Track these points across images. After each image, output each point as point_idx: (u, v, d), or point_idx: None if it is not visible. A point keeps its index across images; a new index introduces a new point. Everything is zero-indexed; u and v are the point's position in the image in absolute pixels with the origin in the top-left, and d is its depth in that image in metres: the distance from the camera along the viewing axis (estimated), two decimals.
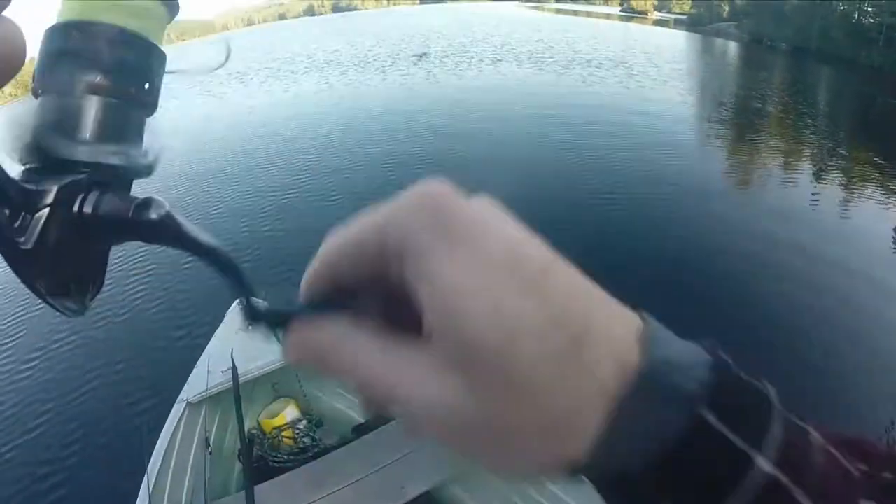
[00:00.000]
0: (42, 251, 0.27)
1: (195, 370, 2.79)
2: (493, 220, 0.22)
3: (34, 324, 5.47)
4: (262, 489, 2.26)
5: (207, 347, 2.90)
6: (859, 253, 7.24)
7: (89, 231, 0.29)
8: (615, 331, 0.21)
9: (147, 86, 0.32)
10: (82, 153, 0.29)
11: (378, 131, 11.57)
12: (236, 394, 2.55)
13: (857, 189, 10.49)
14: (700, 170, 10.61)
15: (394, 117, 12.84)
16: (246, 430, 2.56)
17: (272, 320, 0.27)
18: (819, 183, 10.55)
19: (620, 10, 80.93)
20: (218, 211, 8.08)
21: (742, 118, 15.73)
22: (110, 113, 0.30)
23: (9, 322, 5.69)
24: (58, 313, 0.31)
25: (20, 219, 0.27)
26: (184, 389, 2.70)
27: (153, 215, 0.29)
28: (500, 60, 21.76)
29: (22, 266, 0.27)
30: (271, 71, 23.21)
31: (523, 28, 37.64)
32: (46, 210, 0.27)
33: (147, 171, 0.32)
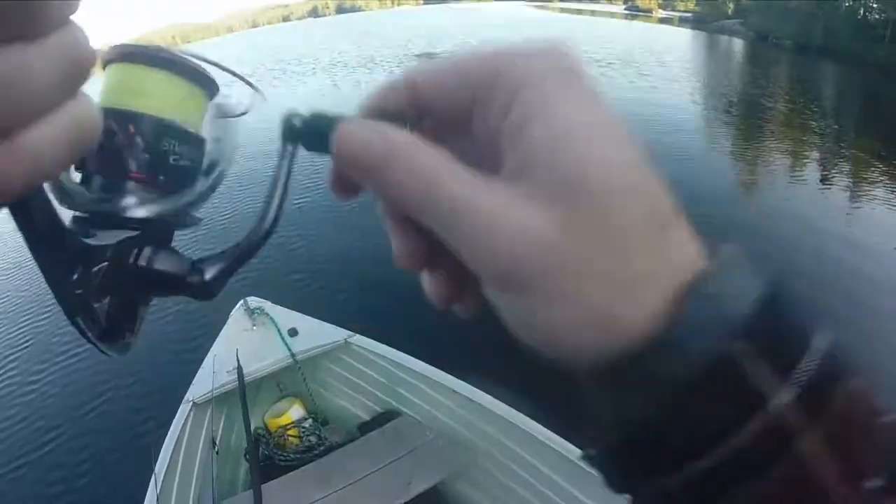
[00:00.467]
0: (96, 300, 0.28)
1: (200, 370, 2.81)
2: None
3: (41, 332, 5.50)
4: (268, 488, 2.27)
5: (212, 348, 2.92)
6: (865, 250, 7.24)
7: (140, 283, 0.31)
8: (687, 237, 0.22)
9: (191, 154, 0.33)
10: (135, 210, 0.30)
11: None
12: (242, 393, 2.57)
13: (862, 185, 10.48)
14: (708, 167, 10.63)
15: None
16: (252, 429, 2.58)
17: (317, 132, 0.25)
18: (825, 182, 10.55)
19: (625, 8, 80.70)
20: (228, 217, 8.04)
21: (749, 115, 15.73)
22: (161, 172, 0.31)
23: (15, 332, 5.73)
24: (103, 355, 0.31)
25: (77, 270, 0.27)
26: (189, 390, 2.71)
27: (207, 276, 0.31)
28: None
29: (75, 312, 0.28)
30: (276, 73, 23.23)
31: (528, 27, 37.62)
32: (104, 264, 0.28)
33: (194, 223, 0.33)
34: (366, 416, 2.87)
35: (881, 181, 10.47)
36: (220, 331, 3.09)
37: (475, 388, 2.50)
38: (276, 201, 0.29)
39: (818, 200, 9.82)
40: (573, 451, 2.09)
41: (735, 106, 16.96)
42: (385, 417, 2.73)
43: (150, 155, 0.31)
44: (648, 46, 26.08)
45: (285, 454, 2.61)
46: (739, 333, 0.20)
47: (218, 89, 0.34)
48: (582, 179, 0.20)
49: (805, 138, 13.76)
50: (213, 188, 0.34)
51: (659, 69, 20.33)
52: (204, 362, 2.84)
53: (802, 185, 10.48)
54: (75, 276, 0.27)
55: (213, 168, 0.34)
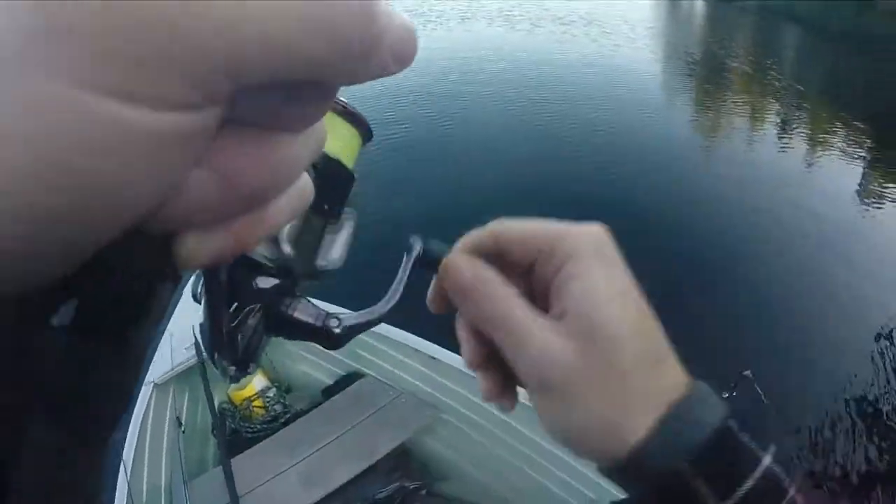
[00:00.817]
0: (241, 337, 0.33)
1: (159, 350, 2.75)
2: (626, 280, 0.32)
3: None
4: (238, 461, 2.26)
5: (168, 326, 2.86)
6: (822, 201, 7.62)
7: (280, 327, 0.36)
8: (676, 371, 0.31)
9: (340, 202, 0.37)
10: (286, 261, 0.33)
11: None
12: (202, 369, 2.53)
13: (819, 141, 10.83)
14: (669, 125, 10.86)
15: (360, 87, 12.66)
16: (217, 404, 2.55)
17: (429, 256, 0.36)
18: (783, 138, 10.81)
19: None
20: None
21: (711, 74, 15.96)
22: (309, 226, 0.34)
23: None
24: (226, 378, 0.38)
25: (231, 308, 0.32)
26: (149, 371, 2.66)
27: (337, 330, 0.36)
28: (468, 19, 21.54)
29: (220, 346, 0.33)
30: None
31: None
32: (256, 306, 0.34)
33: (329, 276, 0.38)
34: (329, 381, 2.85)
35: (838, 136, 10.86)
36: (174, 309, 3.02)
37: (438, 346, 2.49)
38: (399, 288, 0.38)
39: (776, 151, 10.13)
40: None
41: (697, 65, 17.16)
42: (348, 380, 2.72)
43: (328, 190, 0.34)
44: (611, 5, 26.14)
45: (252, 426, 2.58)
46: (692, 455, 0.27)
47: (371, 134, 0.37)
48: (601, 325, 0.29)
49: (765, 97, 14.02)
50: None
51: (622, 27, 20.36)
52: (161, 342, 2.78)
53: (761, 139, 10.80)
54: (231, 310, 0.32)
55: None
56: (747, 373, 1.88)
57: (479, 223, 0.37)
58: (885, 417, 4.17)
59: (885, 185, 8.84)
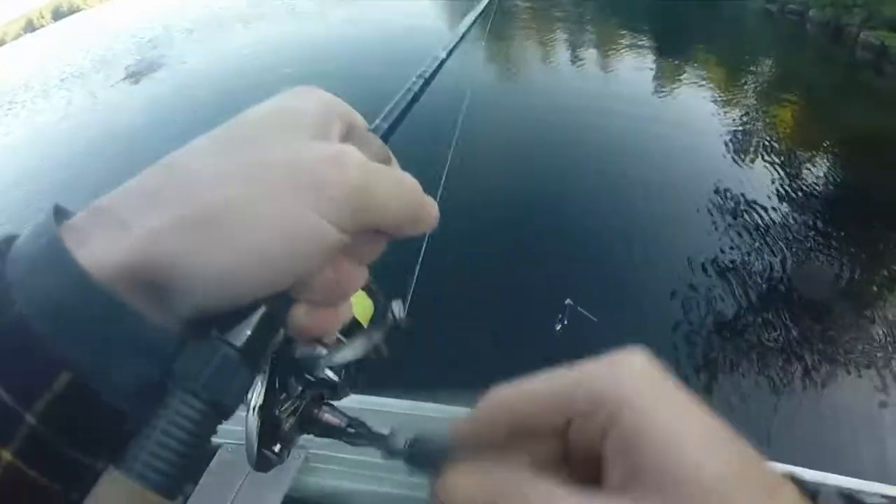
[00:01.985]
0: (281, 429, 0.41)
1: None
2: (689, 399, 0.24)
3: None
4: None
5: None
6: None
7: (312, 424, 0.45)
8: (795, 498, 0.23)
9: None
10: (322, 371, 0.47)
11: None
12: None
13: (610, 56, 12.45)
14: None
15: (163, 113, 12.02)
16: None
17: (425, 460, 0.29)
18: (575, 61, 12.28)
19: None
20: None
21: (500, 14, 16.95)
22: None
23: None
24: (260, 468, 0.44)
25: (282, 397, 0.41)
26: None
27: (352, 432, 0.46)
28: (249, 24, 20.75)
29: (264, 436, 0.39)
30: (4, 109, 19.96)
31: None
32: (301, 403, 0.43)
33: (346, 394, 0.52)
34: None
35: (624, 51, 12.49)
36: None
37: None
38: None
39: (574, 72, 11.53)
40: None
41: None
42: None
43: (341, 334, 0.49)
44: None
45: None
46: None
47: (381, 305, 0.53)
48: (692, 479, 0.21)
49: (553, 26, 15.47)
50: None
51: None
52: None
53: (559, 66, 12.10)
54: (283, 397, 0.39)
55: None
56: (568, 301, 1.69)
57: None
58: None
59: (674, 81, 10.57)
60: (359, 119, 0.31)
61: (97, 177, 8.96)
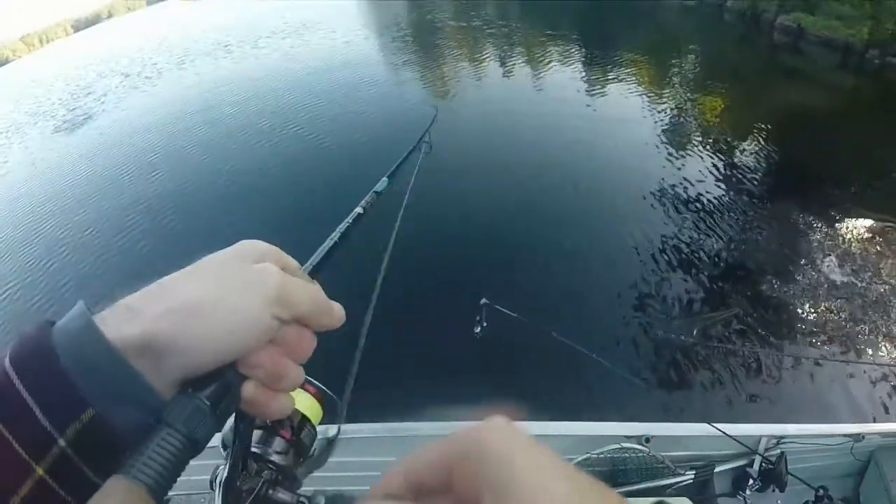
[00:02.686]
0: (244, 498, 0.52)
1: None
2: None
3: None
4: None
5: None
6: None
7: (264, 500, 0.55)
8: None
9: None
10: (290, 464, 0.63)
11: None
12: None
13: (537, 63, 12.82)
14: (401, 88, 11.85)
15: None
16: None
17: None
18: (506, 74, 12.60)
19: None
20: None
21: (422, 37, 17.37)
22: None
23: None
24: None
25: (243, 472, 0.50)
26: None
27: None
28: (182, 62, 20.61)
29: (232, 486, 0.49)
30: None
31: (188, 25, 34.88)
32: (259, 482, 0.54)
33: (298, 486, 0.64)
34: None
35: (552, 54, 12.92)
36: None
37: None
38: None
39: (504, 83, 11.86)
40: None
41: (410, 33, 18.56)
42: None
43: (293, 429, 0.62)
44: (315, 9, 26.65)
45: None
46: None
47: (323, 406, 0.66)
48: None
49: (480, 44, 15.88)
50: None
51: (342, 23, 21.17)
52: None
53: (488, 78, 12.39)
54: (243, 471, 0.49)
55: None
56: (484, 301, 1.88)
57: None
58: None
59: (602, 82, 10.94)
60: (286, 256, 0.46)
61: (43, 234, 8.74)
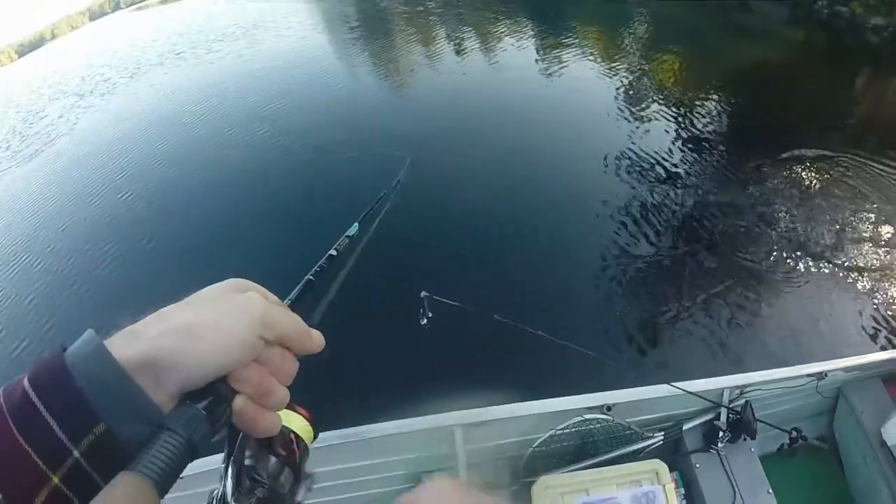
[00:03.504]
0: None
1: None
2: None
3: None
4: None
5: None
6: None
7: None
8: None
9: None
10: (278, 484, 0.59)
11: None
12: None
13: (489, 40, 12.79)
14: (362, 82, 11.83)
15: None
16: None
17: None
18: (459, 53, 12.57)
19: None
20: None
21: (374, 28, 17.19)
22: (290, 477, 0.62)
23: None
24: None
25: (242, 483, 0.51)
26: None
27: None
28: (134, 75, 20.12)
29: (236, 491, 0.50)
30: None
31: (128, 35, 34.01)
32: (254, 499, 0.53)
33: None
34: None
35: (502, 33, 12.90)
36: None
37: None
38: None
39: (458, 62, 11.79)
40: None
41: (360, 24, 18.37)
42: None
43: (287, 447, 0.62)
44: (266, 8, 26.31)
45: None
46: None
47: (317, 429, 0.69)
48: None
49: (431, 26, 15.80)
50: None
51: (293, 20, 20.96)
52: None
53: (439, 60, 12.37)
54: (238, 488, 0.49)
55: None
56: (424, 294, 1.93)
57: None
58: None
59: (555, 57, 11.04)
60: (267, 292, 0.52)
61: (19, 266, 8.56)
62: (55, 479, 0.35)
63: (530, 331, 1.99)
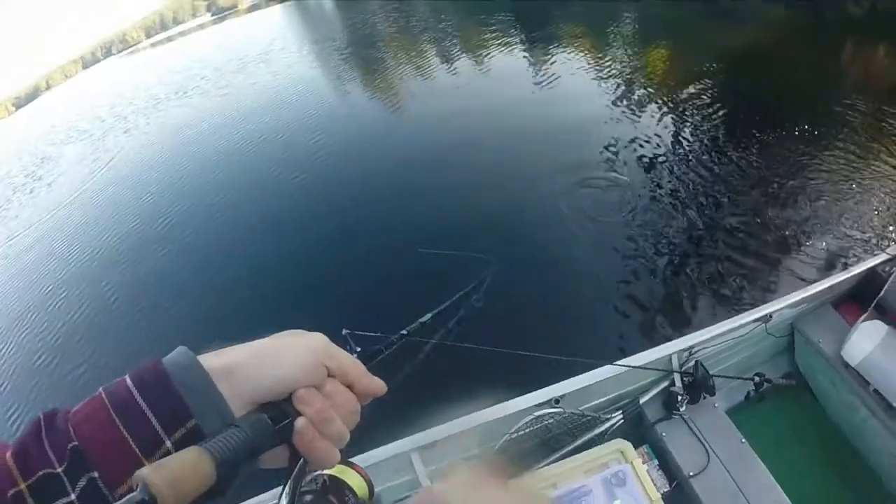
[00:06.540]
0: None
1: None
2: None
3: None
4: None
5: None
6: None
7: None
8: None
9: None
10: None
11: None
12: None
13: (481, 54, 12.87)
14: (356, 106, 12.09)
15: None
16: None
17: None
18: (450, 70, 12.67)
19: (211, 15, 77.75)
20: None
21: (361, 50, 17.69)
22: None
23: None
24: None
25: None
26: None
27: None
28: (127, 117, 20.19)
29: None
30: None
31: (144, 77, 33.91)
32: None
33: None
34: None
35: (493, 45, 13.03)
36: None
37: None
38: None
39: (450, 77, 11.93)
40: None
41: (347, 48, 18.65)
42: None
43: (341, 498, 0.77)
44: (252, 41, 26.56)
45: None
46: None
47: (372, 489, 0.79)
48: None
49: (418, 46, 15.97)
50: None
51: (278, 54, 21.05)
52: None
53: (432, 80, 12.50)
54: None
55: None
56: (345, 331, 1.98)
57: None
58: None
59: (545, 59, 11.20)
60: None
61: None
62: (147, 464, 0.38)
63: (470, 346, 2.08)
